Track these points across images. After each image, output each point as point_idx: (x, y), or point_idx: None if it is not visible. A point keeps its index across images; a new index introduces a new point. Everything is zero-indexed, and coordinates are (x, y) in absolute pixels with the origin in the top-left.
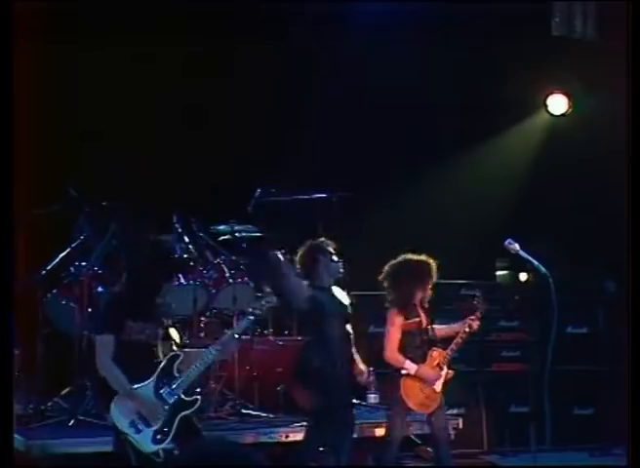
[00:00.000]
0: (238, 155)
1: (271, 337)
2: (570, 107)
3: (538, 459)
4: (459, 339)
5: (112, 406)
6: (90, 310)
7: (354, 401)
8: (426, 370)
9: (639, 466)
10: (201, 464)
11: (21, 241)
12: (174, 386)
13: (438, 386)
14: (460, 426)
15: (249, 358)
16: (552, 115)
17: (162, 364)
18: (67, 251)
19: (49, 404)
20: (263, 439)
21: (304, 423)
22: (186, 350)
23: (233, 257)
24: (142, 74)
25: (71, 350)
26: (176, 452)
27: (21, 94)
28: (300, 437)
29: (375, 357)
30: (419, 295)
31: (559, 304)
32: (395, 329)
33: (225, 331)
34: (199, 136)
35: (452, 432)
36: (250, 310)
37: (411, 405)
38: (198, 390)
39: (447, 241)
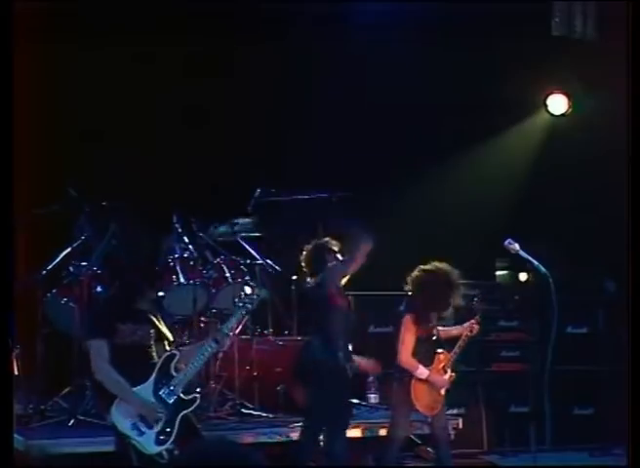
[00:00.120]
0: (238, 155)
1: (271, 337)
2: (570, 107)
3: (538, 459)
4: (461, 343)
5: (113, 409)
6: (83, 314)
7: (354, 400)
8: (436, 375)
9: (639, 466)
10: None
11: (21, 241)
12: (172, 386)
13: (443, 390)
14: (460, 426)
15: (249, 358)
16: (552, 115)
17: (159, 364)
18: (67, 251)
19: (49, 403)
20: (263, 439)
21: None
22: (182, 348)
23: (233, 257)
24: (142, 74)
25: (71, 350)
26: (177, 453)
27: (21, 94)
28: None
29: (375, 357)
30: (441, 307)
31: (559, 304)
32: (411, 334)
33: (219, 325)
34: (199, 136)
35: (452, 432)
36: (241, 304)
37: (419, 407)
38: (198, 390)
39: (447, 241)
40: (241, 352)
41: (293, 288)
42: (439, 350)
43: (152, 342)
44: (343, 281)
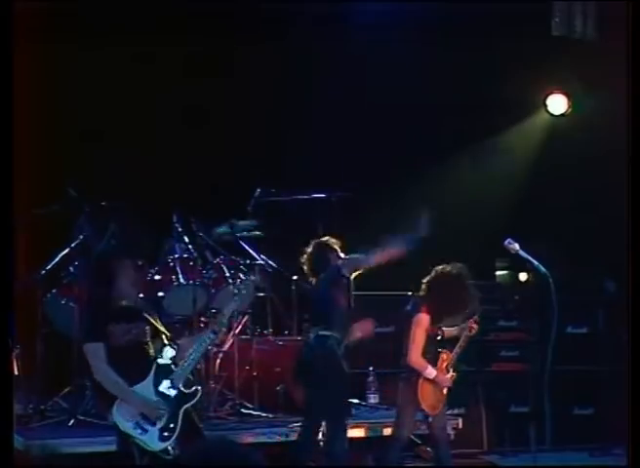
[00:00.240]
0: (238, 155)
1: (271, 337)
2: (570, 107)
3: (537, 459)
4: (462, 343)
5: (114, 410)
6: (83, 314)
7: (355, 400)
8: (440, 374)
9: (639, 466)
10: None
11: (21, 241)
12: (172, 380)
13: (445, 389)
14: (460, 426)
15: (249, 358)
16: (552, 115)
17: (157, 360)
18: (67, 251)
19: (49, 403)
20: (263, 439)
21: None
22: (180, 342)
23: (233, 257)
24: (142, 74)
25: (71, 350)
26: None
27: (21, 94)
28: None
29: (375, 357)
30: (458, 308)
31: (559, 304)
32: (422, 333)
33: (215, 315)
34: (199, 136)
35: (451, 432)
36: (235, 291)
37: (425, 406)
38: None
39: (447, 241)
40: (241, 352)
41: (293, 288)
42: (442, 350)
43: (149, 339)
44: (354, 275)
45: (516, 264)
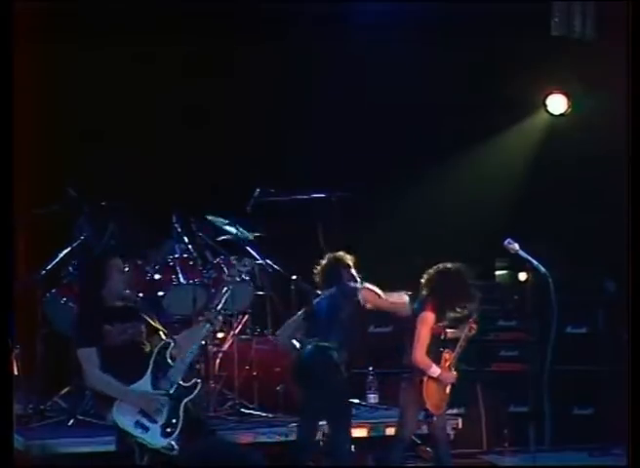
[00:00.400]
0: (238, 155)
1: (271, 337)
2: (569, 107)
3: (537, 459)
4: (462, 342)
5: (114, 411)
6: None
7: (355, 400)
8: (445, 373)
9: (639, 466)
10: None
11: (21, 241)
12: (171, 375)
13: (448, 389)
14: (460, 426)
15: (248, 358)
16: (552, 115)
17: (154, 356)
18: (67, 251)
19: (48, 403)
20: (262, 439)
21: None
22: (176, 336)
23: (232, 257)
24: (142, 74)
25: (71, 350)
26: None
27: (21, 94)
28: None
29: (375, 357)
30: (461, 305)
31: (559, 304)
32: (427, 331)
33: (209, 305)
34: (199, 136)
35: (451, 432)
36: (229, 279)
37: (429, 406)
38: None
39: (446, 241)
40: (241, 352)
41: (292, 287)
42: (444, 349)
43: (145, 338)
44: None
45: (516, 264)
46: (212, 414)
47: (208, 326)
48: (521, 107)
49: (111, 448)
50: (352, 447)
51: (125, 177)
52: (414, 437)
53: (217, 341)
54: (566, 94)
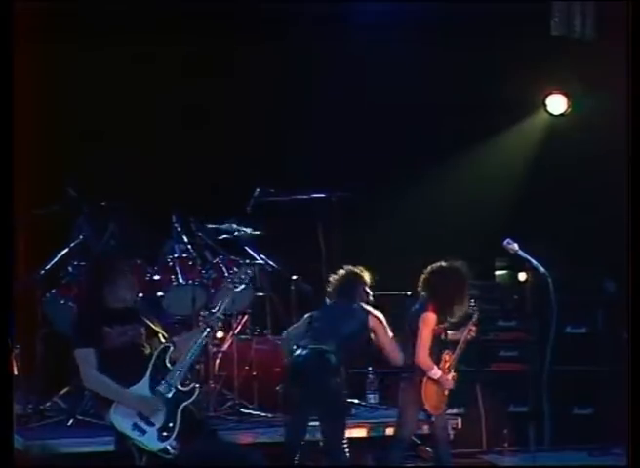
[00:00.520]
0: (238, 155)
1: (270, 337)
2: (569, 107)
3: (537, 459)
4: (462, 344)
5: (112, 412)
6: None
7: (355, 400)
8: (445, 376)
9: (639, 466)
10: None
11: (21, 241)
12: (170, 379)
13: (447, 390)
14: (459, 426)
15: (248, 358)
16: (551, 115)
17: (153, 359)
18: (66, 250)
19: (48, 403)
20: (262, 439)
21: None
22: (175, 340)
23: (232, 257)
24: (142, 74)
25: (70, 350)
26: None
27: (21, 94)
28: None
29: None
30: (459, 303)
31: (558, 304)
32: (429, 332)
33: (211, 310)
34: (199, 136)
35: (451, 432)
36: (230, 286)
37: (428, 407)
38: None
39: (446, 241)
40: (240, 352)
41: (292, 288)
42: (445, 350)
43: (145, 341)
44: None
45: (515, 264)
46: (212, 414)
47: (208, 330)
48: (521, 107)
49: (111, 448)
50: (347, 450)
51: (125, 177)
52: (413, 437)
53: (216, 341)
54: (566, 94)
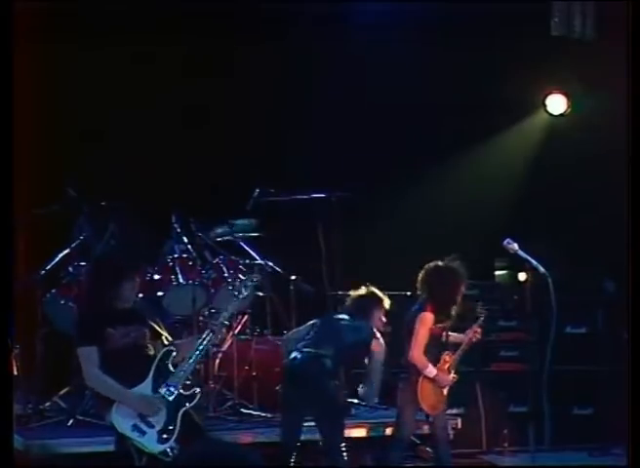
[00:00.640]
0: (238, 155)
1: (270, 337)
2: (569, 107)
3: (536, 459)
4: (465, 346)
5: (112, 412)
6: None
7: (354, 400)
8: (442, 374)
9: (639, 466)
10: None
11: (21, 241)
12: (172, 382)
13: (446, 390)
14: (459, 426)
15: (248, 358)
16: (551, 115)
17: (155, 362)
18: (66, 251)
19: (48, 403)
20: (262, 439)
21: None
22: (178, 343)
23: (232, 257)
24: (142, 74)
25: (70, 350)
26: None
27: (21, 94)
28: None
29: None
30: (455, 302)
31: (558, 304)
32: (425, 331)
33: (211, 310)
34: (199, 135)
35: (450, 432)
36: (236, 292)
37: (424, 406)
38: (196, 386)
39: (446, 241)
40: (240, 352)
41: (292, 288)
42: (445, 351)
43: (148, 342)
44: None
45: (515, 264)
46: (212, 414)
47: (211, 335)
48: (521, 107)
49: (111, 448)
50: (344, 451)
51: (125, 177)
52: (413, 437)
53: (216, 342)
54: (566, 94)
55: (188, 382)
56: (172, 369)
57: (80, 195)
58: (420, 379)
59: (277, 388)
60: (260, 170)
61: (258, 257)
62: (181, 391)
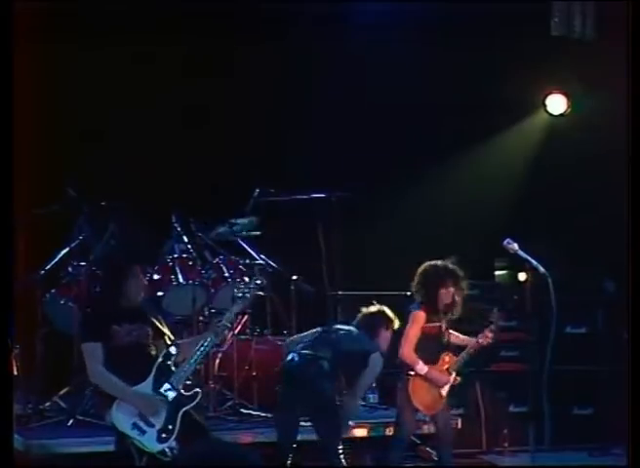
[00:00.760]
0: (238, 155)
1: (270, 337)
2: (569, 107)
3: (536, 459)
4: (471, 350)
5: (113, 410)
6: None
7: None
8: (435, 373)
9: (639, 466)
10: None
11: (21, 241)
12: (173, 382)
13: (444, 390)
14: (460, 426)
15: (248, 358)
16: (551, 115)
17: (158, 361)
18: (67, 250)
19: (48, 403)
20: (262, 438)
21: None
22: (180, 342)
23: (232, 257)
24: (142, 74)
25: (70, 350)
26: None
27: (21, 94)
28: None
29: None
30: (445, 301)
31: (558, 304)
32: (416, 329)
33: (218, 317)
34: (199, 135)
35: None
36: (240, 295)
37: (417, 404)
38: (196, 386)
39: (446, 241)
40: (240, 352)
41: (292, 288)
42: (445, 351)
43: (150, 341)
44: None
45: (515, 264)
46: (212, 414)
47: (213, 337)
48: (521, 107)
49: (111, 448)
50: (341, 452)
51: (125, 177)
52: (413, 437)
53: (217, 342)
54: (566, 94)
55: (189, 382)
56: (173, 368)
57: (80, 195)
58: (412, 377)
59: (277, 388)
60: (259, 170)
61: (258, 257)
62: (182, 391)
